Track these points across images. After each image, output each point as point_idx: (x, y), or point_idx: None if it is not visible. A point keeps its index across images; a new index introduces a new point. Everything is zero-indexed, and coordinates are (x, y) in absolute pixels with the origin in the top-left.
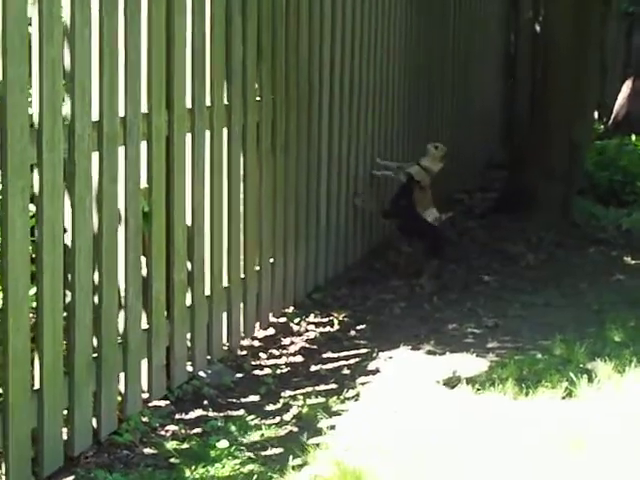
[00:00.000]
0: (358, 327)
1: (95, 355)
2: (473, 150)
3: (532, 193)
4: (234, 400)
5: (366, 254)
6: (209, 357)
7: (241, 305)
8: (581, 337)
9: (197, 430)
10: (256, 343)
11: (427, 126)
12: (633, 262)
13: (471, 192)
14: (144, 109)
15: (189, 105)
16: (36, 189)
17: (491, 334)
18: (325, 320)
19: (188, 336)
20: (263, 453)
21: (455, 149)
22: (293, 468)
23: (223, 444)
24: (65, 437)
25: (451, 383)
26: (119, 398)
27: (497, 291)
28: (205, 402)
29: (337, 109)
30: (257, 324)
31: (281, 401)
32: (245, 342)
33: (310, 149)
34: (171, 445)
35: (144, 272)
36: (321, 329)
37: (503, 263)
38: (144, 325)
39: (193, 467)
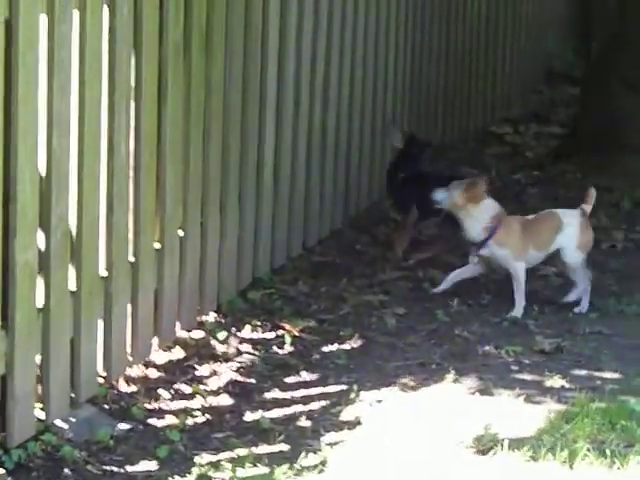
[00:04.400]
0: (326, 348)
1: None
2: (521, 53)
3: (623, 126)
4: (115, 469)
5: (340, 227)
6: (73, 395)
7: (128, 308)
8: None
9: None
10: (153, 373)
11: None
12: None
13: (519, 122)
14: None
15: None
16: None
17: (551, 364)
18: (270, 336)
19: (38, 359)
20: None
21: (490, 50)
22: None
23: None
24: None
25: (483, 445)
26: None
27: (561, 289)
28: (66, 471)
29: None
30: (155, 340)
31: (194, 471)
32: (135, 371)
33: (247, 42)
34: None
35: None
36: (263, 351)
37: None
38: None
39: None
